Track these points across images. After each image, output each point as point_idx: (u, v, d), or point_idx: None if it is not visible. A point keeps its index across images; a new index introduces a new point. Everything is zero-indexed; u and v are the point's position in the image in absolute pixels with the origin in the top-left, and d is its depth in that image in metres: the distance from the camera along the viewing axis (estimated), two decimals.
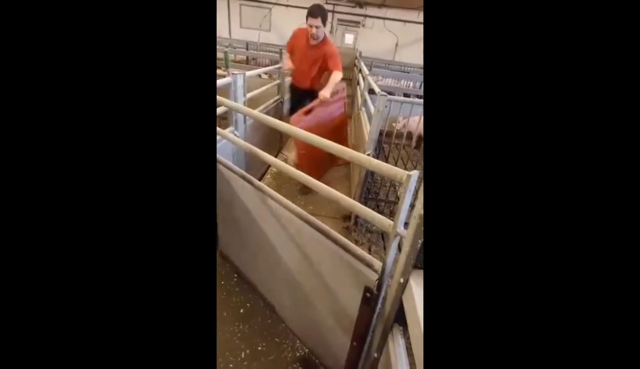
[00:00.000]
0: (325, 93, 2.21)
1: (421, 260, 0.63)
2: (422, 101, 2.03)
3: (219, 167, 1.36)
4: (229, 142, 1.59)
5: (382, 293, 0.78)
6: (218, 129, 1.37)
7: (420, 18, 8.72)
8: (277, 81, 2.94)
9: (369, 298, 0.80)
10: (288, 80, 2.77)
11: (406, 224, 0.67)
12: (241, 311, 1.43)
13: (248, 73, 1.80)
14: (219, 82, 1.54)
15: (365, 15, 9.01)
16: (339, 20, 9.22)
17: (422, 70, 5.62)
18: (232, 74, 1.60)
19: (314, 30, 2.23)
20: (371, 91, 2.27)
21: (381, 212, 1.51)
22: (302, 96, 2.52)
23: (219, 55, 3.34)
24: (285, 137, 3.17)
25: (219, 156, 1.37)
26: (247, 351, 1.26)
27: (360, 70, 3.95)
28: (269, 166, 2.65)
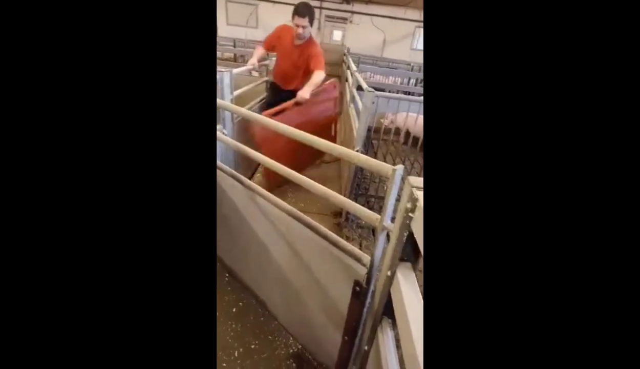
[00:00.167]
0: (303, 94, 2.06)
1: (407, 252, 0.64)
2: (408, 97, 2.06)
3: None
4: (218, 141, 1.58)
5: (372, 287, 0.79)
6: None
7: (407, 15, 8.78)
8: (266, 78, 2.92)
9: (359, 292, 0.81)
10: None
11: (393, 218, 0.69)
12: (233, 309, 1.43)
13: (235, 70, 1.78)
14: None
15: (353, 12, 9.02)
16: (327, 16, 9.19)
17: (409, 67, 5.66)
18: (219, 71, 1.59)
19: (300, 30, 2.09)
20: (359, 88, 2.28)
21: (371, 208, 1.52)
22: (285, 99, 2.29)
23: None
24: None
25: None
26: (240, 350, 1.27)
27: (348, 67, 3.95)
28: (259, 164, 2.64)
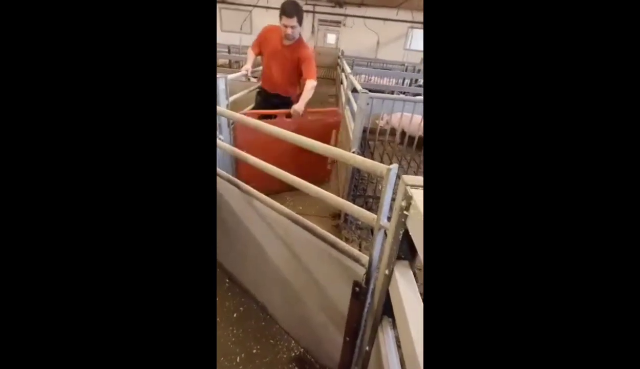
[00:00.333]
0: (298, 108, 1.97)
1: (404, 250, 0.64)
2: (402, 97, 2.07)
3: None
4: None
5: (371, 286, 0.80)
6: None
7: (400, 16, 8.85)
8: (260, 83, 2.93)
9: (358, 292, 0.81)
10: None
11: (390, 218, 0.69)
12: (234, 315, 1.43)
13: (230, 76, 1.79)
14: None
15: (346, 15, 9.09)
16: (320, 20, 9.25)
17: (403, 67, 5.70)
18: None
19: (289, 30, 1.98)
20: (354, 90, 2.29)
21: (370, 209, 1.53)
22: (273, 105, 2.22)
23: None
24: None
25: None
26: (242, 355, 1.26)
27: (343, 70, 3.98)
28: None
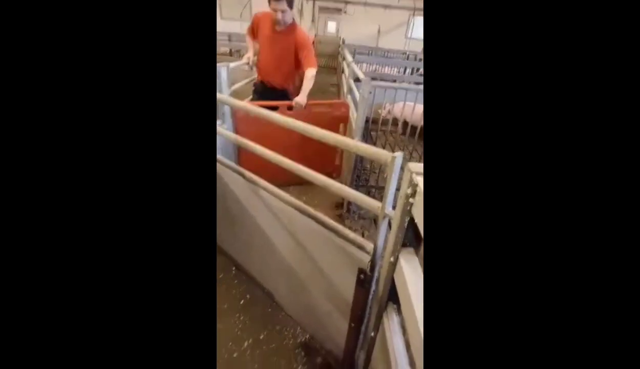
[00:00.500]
0: (300, 100, 1.88)
1: (409, 238, 0.65)
2: (407, 85, 2.05)
3: None
4: (218, 135, 1.58)
5: (376, 273, 0.81)
6: None
7: (401, 3, 8.67)
8: None
9: (363, 279, 0.83)
10: None
11: (394, 206, 0.70)
12: (241, 302, 1.46)
13: (232, 65, 1.78)
14: None
15: (347, 2, 8.90)
16: (321, 8, 9.07)
17: (404, 56, 5.61)
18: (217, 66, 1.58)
19: (279, 15, 1.83)
20: (356, 79, 2.27)
21: (372, 198, 1.54)
22: (271, 97, 2.08)
23: None
24: None
25: None
26: (250, 341, 1.29)
27: (344, 58, 3.93)
28: None
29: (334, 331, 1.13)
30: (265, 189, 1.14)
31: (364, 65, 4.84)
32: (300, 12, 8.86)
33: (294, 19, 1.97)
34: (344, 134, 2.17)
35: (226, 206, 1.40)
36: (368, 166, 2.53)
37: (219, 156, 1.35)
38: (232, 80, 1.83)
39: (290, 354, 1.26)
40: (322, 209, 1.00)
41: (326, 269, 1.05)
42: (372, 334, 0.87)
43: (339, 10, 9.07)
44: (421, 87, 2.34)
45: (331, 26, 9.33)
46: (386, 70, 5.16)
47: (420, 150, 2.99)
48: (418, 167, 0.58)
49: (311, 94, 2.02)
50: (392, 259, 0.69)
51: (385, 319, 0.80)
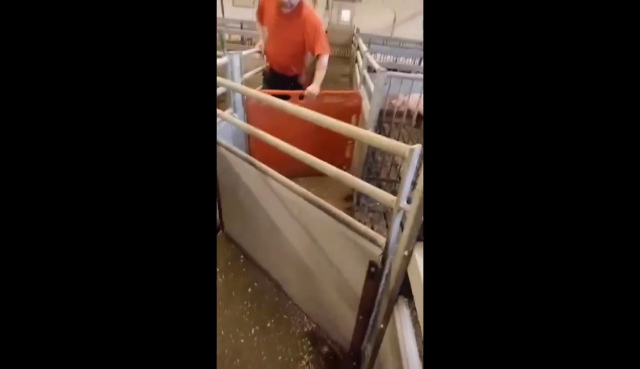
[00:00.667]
0: (313, 90, 1.81)
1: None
2: (422, 76, 2.00)
3: (221, 150, 1.35)
4: (229, 124, 1.58)
5: (387, 267, 0.80)
6: (217, 110, 1.36)
7: None
8: None
9: (374, 273, 0.82)
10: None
11: (409, 199, 0.68)
12: (249, 290, 1.48)
13: (244, 52, 1.76)
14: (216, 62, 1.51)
15: None
16: None
17: (421, 46, 5.47)
18: (229, 53, 1.57)
19: None
20: (370, 69, 2.21)
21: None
22: (281, 84, 1.99)
23: None
24: None
25: (220, 139, 1.36)
26: (257, 328, 1.31)
27: (358, 48, 3.85)
28: None
29: (341, 322, 1.13)
30: (276, 179, 1.14)
31: (378, 55, 4.74)
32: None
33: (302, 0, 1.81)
34: (356, 125, 2.13)
35: (237, 195, 1.40)
36: (379, 159, 2.50)
37: (230, 146, 1.35)
38: (244, 69, 1.80)
39: (297, 343, 1.28)
40: (331, 201, 0.99)
41: (335, 261, 1.04)
42: (381, 326, 0.87)
43: None
44: None
45: (345, 15, 9.12)
46: (401, 60, 5.04)
47: None
48: None
49: (322, 84, 1.99)
50: (406, 253, 0.67)
51: (395, 312, 0.80)
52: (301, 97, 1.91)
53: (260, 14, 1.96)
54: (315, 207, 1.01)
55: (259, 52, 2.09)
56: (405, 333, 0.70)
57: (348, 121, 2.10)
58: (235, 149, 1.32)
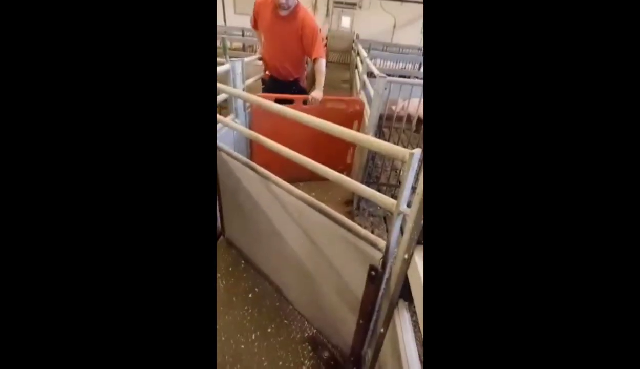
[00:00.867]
0: (316, 95, 1.82)
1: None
2: (422, 81, 2.02)
3: (222, 155, 1.37)
4: (231, 130, 1.59)
5: (387, 271, 0.80)
6: (219, 116, 1.37)
7: None
8: None
9: (374, 276, 0.82)
10: None
11: (409, 203, 0.69)
12: (250, 295, 1.47)
13: (246, 59, 1.78)
14: (218, 69, 1.53)
15: None
16: (335, 2, 8.98)
17: (420, 51, 5.51)
18: (231, 60, 1.59)
19: None
20: (370, 74, 2.24)
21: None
22: (283, 90, 1.96)
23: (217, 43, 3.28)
24: None
25: (221, 144, 1.38)
26: (257, 333, 1.31)
27: (358, 54, 3.89)
28: None
29: (341, 326, 1.13)
30: (276, 184, 1.15)
31: (378, 60, 4.78)
32: (315, 6, 8.80)
33: (298, 1, 1.78)
34: (358, 131, 2.14)
35: (237, 200, 1.41)
36: (380, 163, 2.51)
37: (231, 151, 1.36)
38: (246, 76, 1.83)
39: (297, 348, 1.27)
40: (331, 205, 1.00)
41: (336, 265, 1.05)
42: (382, 330, 0.87)
43: (353, 5, 8.96)
44: None
45: (345, 21, 9.21)
46: (401, 66, 5.09)
47: None
48: None
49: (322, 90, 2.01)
50: (406, 256, 0.68)
51: (396, 316, 0.80)
52: (304, 102, 1.92)
53: (255, 18, 1.94)
54: (316, 211, 1.02)
55: (260, 58, 2.11)
56: (406, 337, 0.70)
57: (350, 126, 2.10)
58: (236, 154, 1.33)
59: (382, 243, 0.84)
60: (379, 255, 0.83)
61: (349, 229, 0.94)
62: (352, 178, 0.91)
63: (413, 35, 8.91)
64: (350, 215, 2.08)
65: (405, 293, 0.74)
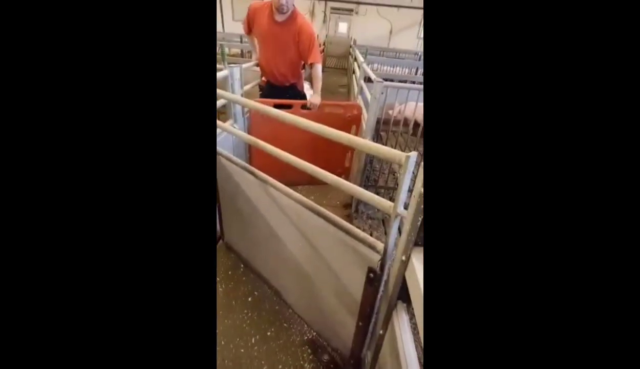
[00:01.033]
0: (315, 101, 1.85)
1: (422, 237, 0.66)
2: (418, 86, 2.04)
3: (221, 160, 1.38)
4: (230, 135, 1.60)
5: (385, 272, 0.81)
6: (218, 121, 1.38)
7: (414, 2, 8.60)
8: None
9: (373, 278, 0.83)
10: None
11: (406, 205, 0.70)
12: (249, 299, 1.48)
13: (244, 65, 1.80)
14: (217, 75, 1.55)
15: (359, 2, 8.88)
16: (332, 8, 9.08)
17: (416, 56, 5.57)
18: (230, 66, 1.61)
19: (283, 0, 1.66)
20: (367, 79, 2.26)
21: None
22: (281, 96, 1.98)
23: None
24: None
25: (220, 149, 1.39)
26: (257, 337, 1.31)
27: (355, 59, 3.93)
28: None
29: (340, 329, 1.14)
30: (275, 187, 1.16)
31: (375, 65, 4.83)
32: (312, 12, 8.89)
33: (294, 6, 1.78)
34: (356, 135, 2.15)
35: (236, 204, 1.42)
36: (377, 167, 2.53)
37: (230, 155, 1.37)
38: (244, 81, 1.84)
39: (297, 351, 1.27)
40: (330, 209, 1.01)
41: (335, 268, 1.05)
42: (381, 332, 0.88)
43: (350, 11, 9.06)
44: None
45: (342, 27, 9.31)
46: (398, 70, 5.14)
47: None
48: None
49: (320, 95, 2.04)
50: (403, 257, 0.69)
51: (394, 317, 0.80)
52: (303, 107, 1.95)
53: (249, 23, 1.91)
54: (315, 214, 1.03)
55: (257, 64, 2.13)
56: (405, 338, 0.71)
57: (348, 130, 2.13)
58: (235, 158, 1.34)
59: (380, 245, 0.85)
60: (377, 257, 0.84)
61: (348, 232, 0.95)
62: (350, 181, 0.92)
63: (409, 40, 9.02)
64: (348, 218, 2.09)
65: (403, 294, 0.75)
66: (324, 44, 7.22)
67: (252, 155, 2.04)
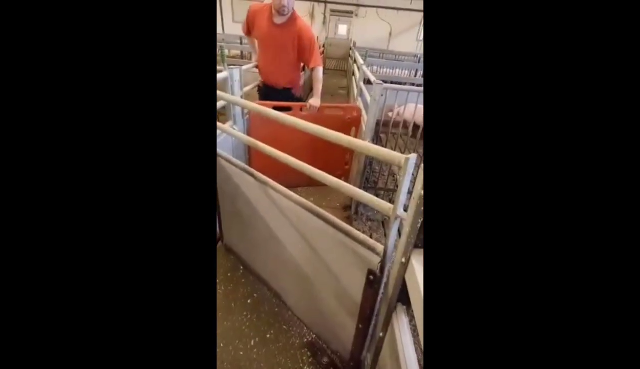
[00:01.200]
0: (314, 103, 1.87)
1: (422, 239, 0.66)
2: (418, 88, 2.04)
3: (221, 161, 1.38)
4: (229, 137, 1.60)
5: (385, 274, 0.81)
6: (217, 123, 1.38)
7: (413, 5, 8.64)
8: None
9: (373, 280, 0.83)
10: None
11: (405, 207, 0.70)
12: (248, 301, 1.47)
13: (244, 67, 1.80)
14: (217, 76, 1.55)
15: (358, 5, 8.92)
16: (332, 10, 9.11)
17: (415, 58, 5.59)
18: (229, 68, 1.61)
19: (284, 1, 1.67)
20: (366, 81, 2.27)
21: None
22: (278, 98, 1.97)
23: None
24: None
25: (220, 151, 1.39)
26: (256, 339, 1.31)
27: (355, 61, 3.94)
28: None
29: (340, 331, 1.13)
30: (275, 189, 1.16)
31: (375, 67, 4.84)
32: (311, 14, 8.92)
33: (294, 8, 1.79)
34: (355, 137, 2.16)
35: (236, 206, 1.41)
36: (377, 168, 2.53)
37: (229, 157, 1.37)
38: (244, 83, 1.85)
39: (296, 354, 1.27)
40: (329, 210, 1.01)
41: (334, 270, 1.05)
42: (381, 334, 0.87)
43: (350, 13, 9.09)
44: None
45: (342, 29, 9.35)
46: (397, 72, 5.16)
47: None
48: None
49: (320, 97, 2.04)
50: (403, 259, 0.69)
51: (394, 319, 0.80)
52: (301, 109, 1.96)
53: (249, 24, 1.91)
54: (314, 216, 1.03)
55: (256, 66, 2.13)
56: (404, 341, 0.71)
57: (347, 132, 2.13)
58: (234, 160, 1.34)
59: (380, 247, 0.85)
60: (377, 259, 0.84)
61: (347, 234, 0.95)
62: (350, 183, 0.92)
63: (408, 42, 9.05)
64: (348, 220, 2.09)
65: (403, 296, 0.75)
66: (323, 46, 7.24)
67: (252, 156, 2.04)
